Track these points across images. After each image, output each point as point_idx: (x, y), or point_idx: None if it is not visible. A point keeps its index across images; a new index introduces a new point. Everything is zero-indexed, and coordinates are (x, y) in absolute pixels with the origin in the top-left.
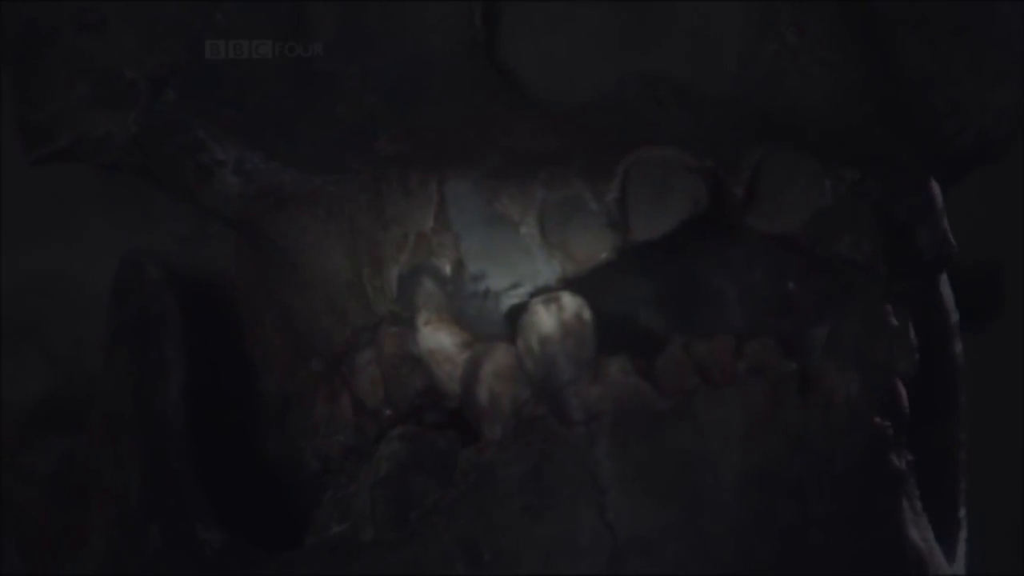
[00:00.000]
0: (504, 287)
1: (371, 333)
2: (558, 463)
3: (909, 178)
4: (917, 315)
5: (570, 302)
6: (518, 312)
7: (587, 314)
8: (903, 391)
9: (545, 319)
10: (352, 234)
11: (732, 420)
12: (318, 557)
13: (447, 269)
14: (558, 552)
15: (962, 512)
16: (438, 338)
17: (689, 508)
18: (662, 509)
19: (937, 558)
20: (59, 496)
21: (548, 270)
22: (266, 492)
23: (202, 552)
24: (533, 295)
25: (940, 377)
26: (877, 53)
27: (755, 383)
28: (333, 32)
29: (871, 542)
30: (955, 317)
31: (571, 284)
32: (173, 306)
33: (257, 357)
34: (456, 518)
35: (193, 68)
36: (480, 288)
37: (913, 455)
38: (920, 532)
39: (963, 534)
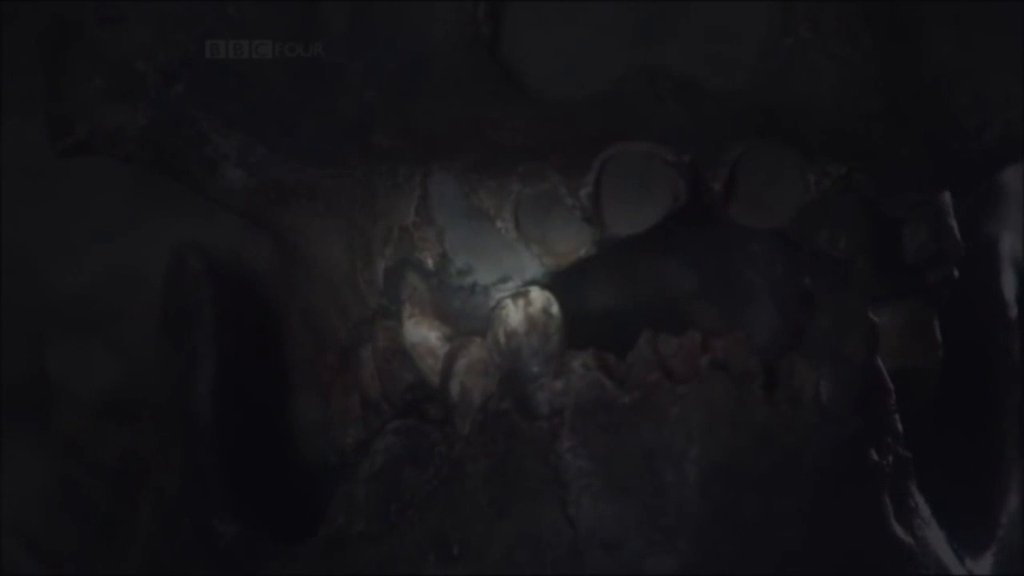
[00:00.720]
0: (491, 281)
1: (369, 327)
2: (521, 458)
3: (905, 175)
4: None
5: (538, 297)
6: None
7: (555, 309)
8: (889, 387)
9: (512, 313)
10: (348, 228)
11: (694, 416)
12: (317, 551)
13: (430, 263)
14: (521, 547)
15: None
16: (420, 332)
17: (650, 503)
18: (623, 504)
19: (932, 556)
20: (118, 488)
21: (532, 265)
22: (297, 486)
23: (216, 544)
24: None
25: (996, 372)
26: (900, 47)
27: (717, 379)
28: (343, 28)
29: (842, 538)
30: (1014, 311)
31: (556, 278)
32: (207, 300)
33: (287, 351)
34: (428, 512)
35: (201, 62)
36: (466, 282)
37: (945, 450)
38: (910, 529)
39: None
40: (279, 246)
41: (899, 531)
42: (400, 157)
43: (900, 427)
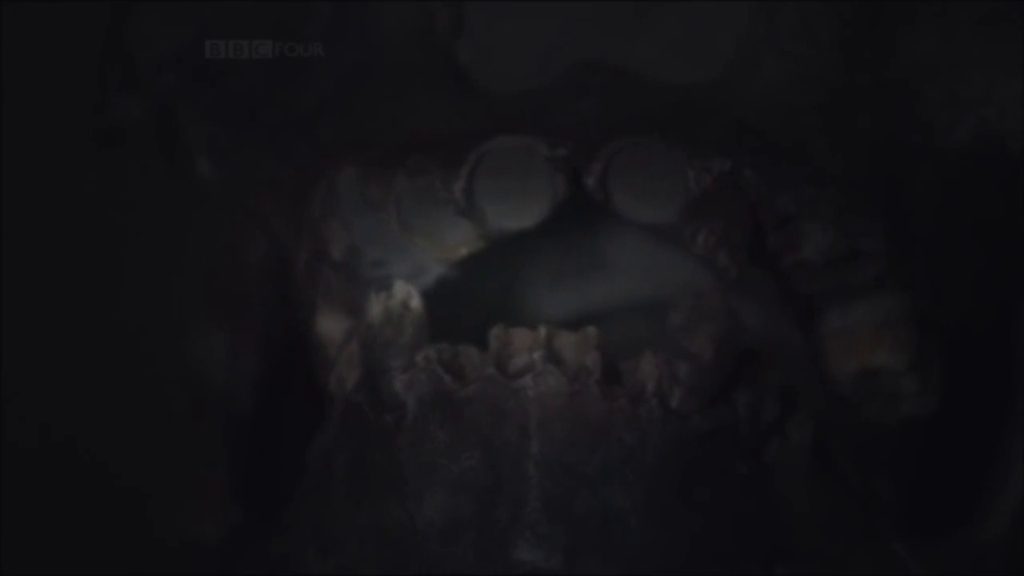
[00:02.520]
0: (406, 274)
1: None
2: (371, 451)
3: (809, 173)
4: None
5: (399, 290)
6: None
7: (414, 303)
8: (765, 388)
9: (373, 306)
10: (295, 221)
11: (529, 410)
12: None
13: (337, 255)
14: (367, 541)
15: None
16: (327, 324)
17: (485, 498)
18: (460, 499)
19: (799, 554)
20: None
21: (425, 258)
22: None
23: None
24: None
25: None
26: (874, 41)
27: (551, 374)
28: (326, 22)
29: (690, 538)
30: None
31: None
32: (257, 283)
33: None
34: (306, 507)
35: (191, 56)
36: (380, 274)
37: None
38: (774, 527)
39: None
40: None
41: (763, 532)
42: (338, 149)
43: (775, 429)
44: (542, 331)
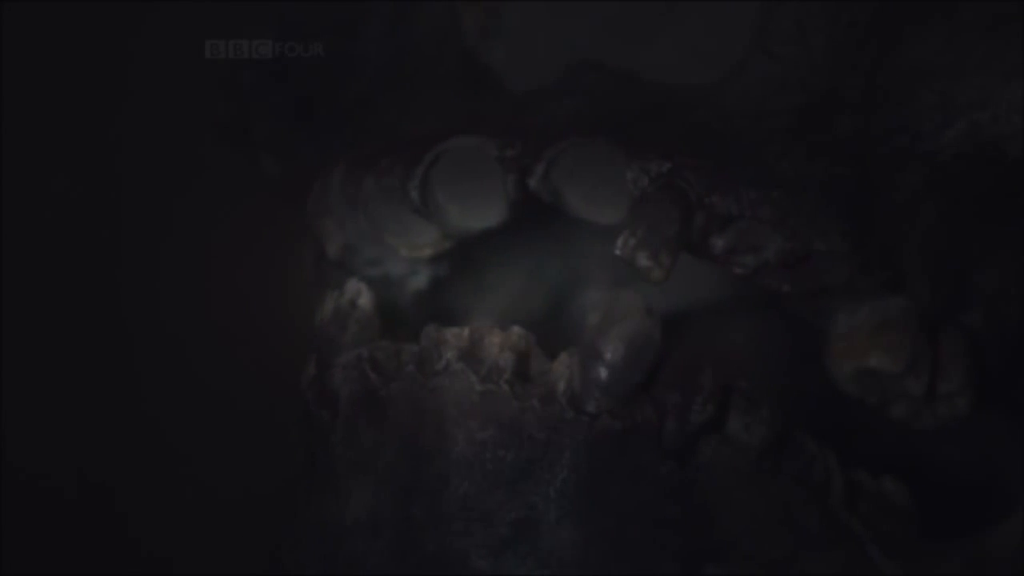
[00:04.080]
0: (402, 272)
1: None
2: (314, 447)
3: (755, 175)
4: None
5: (350, 288)
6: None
7: (363, 300)
8: (687, 390)
9: (327, 303)
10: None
11: (444, 409)
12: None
13: (333, 253)
14: (307, 535)
15: None
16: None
17: (402, 495)
18: (381, 495)
19: (734, 555)
20: None
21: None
22: None
23: None
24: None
25: None
26: (873, 43)
27: (463, 373)
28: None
29: (597, 534)
30: None
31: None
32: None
33: None
34: (286, 499)
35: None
36: (376, 273)
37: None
38: (704, 528)
39: None
40: None
41: (689, 533)
42: (349, 146)
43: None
44: (465, 331)
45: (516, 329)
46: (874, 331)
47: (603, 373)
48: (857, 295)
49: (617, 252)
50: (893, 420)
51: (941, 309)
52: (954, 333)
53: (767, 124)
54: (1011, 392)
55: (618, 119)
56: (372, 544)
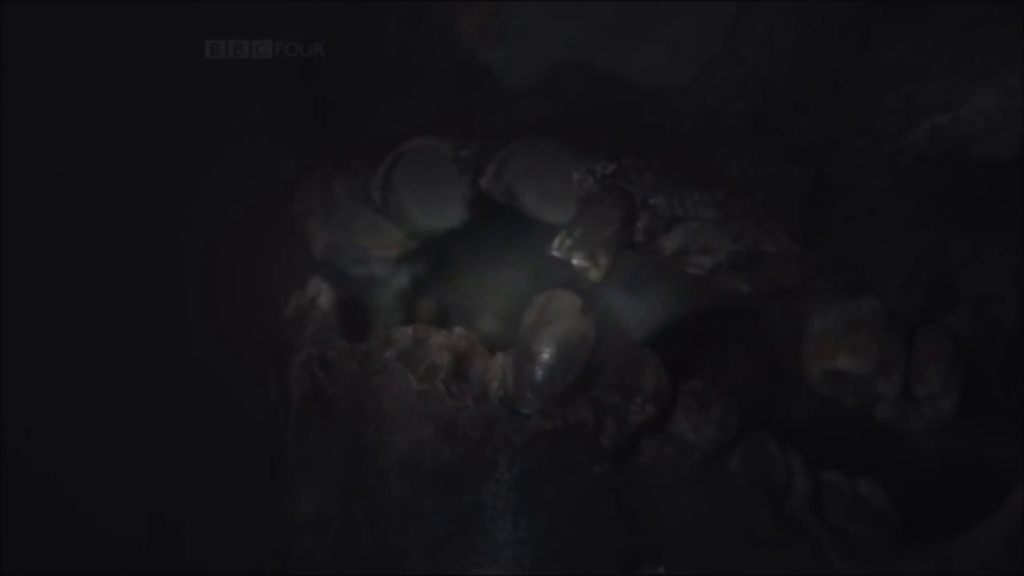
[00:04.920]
0: (386, 272)
1: None
2: (276, 445)
3: (701, 176)
4: None
5: (311, 287)
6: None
7: (323, 300)
8: (627, 391)
9: (291, 302)
10: None
11: (383, 407)
12: None
13: (318, 252)
14: (264, 533)
15: None
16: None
17: (346, 494)
18: (327, 494)
19: (674, 555)
20: None
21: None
22: None
23: None
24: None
25: None
26: (843, 45)
27: (404, 372)
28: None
29: (531, 533)
30: None
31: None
32: None
33: None
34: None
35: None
36: (362, 272)
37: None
38: (643, 528)
39: None
40: None
41: (626, 533)
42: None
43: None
44: (409, 330)
45: (458, 329)
46: (844, 333)
47: (536, 373)
48: (828, 297)
49: (554, 252)
50: (879, 422)
51: (919, 311)
52: (934, 335)
53: (723, 125)
54: (1008, 396)
55: (582, 119)
56: (319, 542)
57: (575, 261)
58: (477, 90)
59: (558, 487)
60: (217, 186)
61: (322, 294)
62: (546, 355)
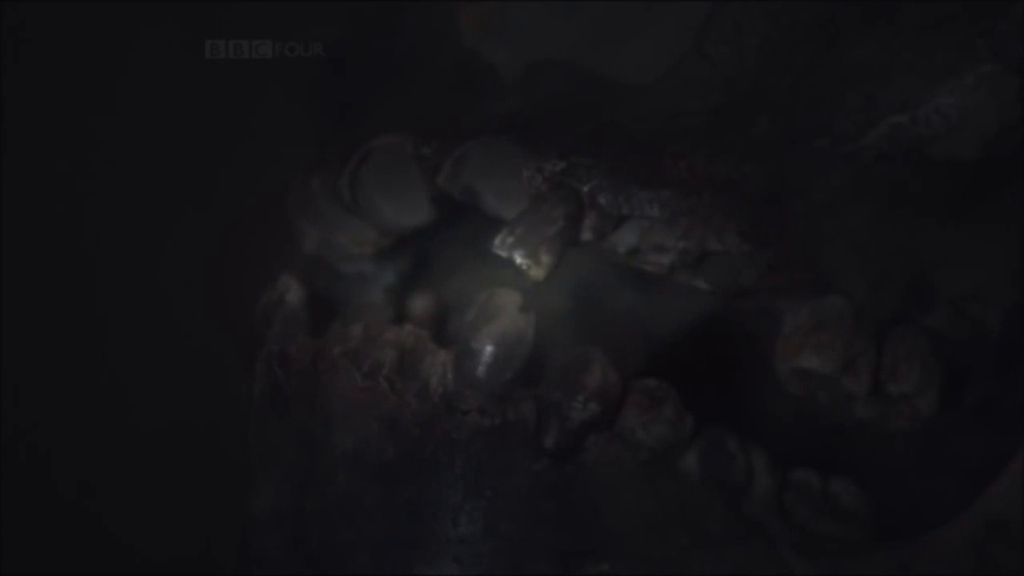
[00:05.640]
0: (374, 269)
1: None
2: (245, 440)
3: (648, 176)
4: None
5: (281, 283)
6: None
7: (291, 296)
8: (569, 389)
9: (262, 299)
10: None
11: (332, 404)
12: None
13: (309, 249)
14: (227, 527)
15: None
16: None
17: (298, 489)
18: (282, 489)
19: (618, 553)
20: None
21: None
22: None
23: None
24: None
25: None
26: (808, 48)
27: (350, 369)
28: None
29: (470, 528)
30: None
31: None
32: None
33: None
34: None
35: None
36: (353, 269)
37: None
38: (585, 525)
39: None
40: None
41: (567, 530)
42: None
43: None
44: (360, 326)
45: (408, 327)
46: (809, 331)
47: (473, 369)
48: (800, 296)
49: (495, 250)
50: (860, 422)
51: (892, 310)
52: (908, 334)
53: (679, 124)
54: (998, 396)
55: (545, 118)
56: (274, 537)
57: (516, 259)
58: (470, 88)
59: (498, 484)
60: (232, 183)
61: (291, 291)
62: (484, 352)
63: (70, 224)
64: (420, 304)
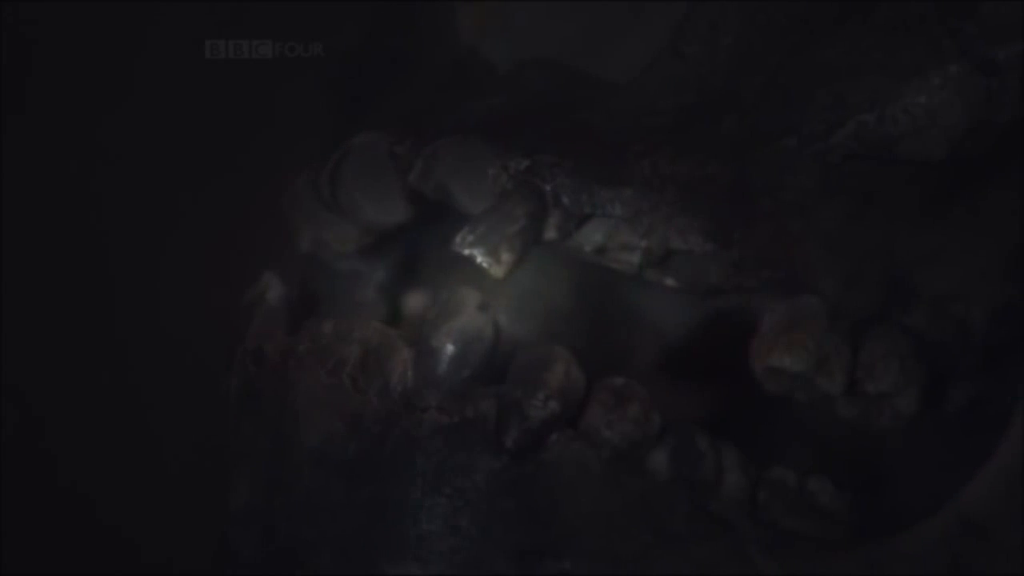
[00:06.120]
0: (367, 268)
1: None
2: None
3: (611, 174)
4: None
5: (263, 280)
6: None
7: (271, 294)
8: (528, 387)
9: (244, 296)
10: None
11: (298, 401)
12: None
13: (304, 247)
14: (208, 526)
15: None
16: None
17: (269, 486)
18: (255, 486)
19: (578, 551)
20: None
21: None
22: None
23: None
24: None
25: None
26: (782, 47)
27: (315, 366)
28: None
29: (431, 526)
30: None
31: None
32: None
33: None
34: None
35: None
36: (347, 267)
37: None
38: (545, 523)
39: None
40: None
41: (527, 527)
42: None
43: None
44: (331, 323)
45: (374, 323)
46: (782, 330)
47: (433, 367)
48: (777, 295)
49: (455, 248)
50: (842, 421)
51: (869, 310)
52: (886, 334)
53: (647, 122)
54: (983, 395)
55: (518, 116)
56: (246, 534)
57: (477, 257)
58: (467, 86)
59: (458, 482)
60: (233, 183)
61: (272, 288)
62: (442, 350)
63: (73, 224)
64: (414, 302)
